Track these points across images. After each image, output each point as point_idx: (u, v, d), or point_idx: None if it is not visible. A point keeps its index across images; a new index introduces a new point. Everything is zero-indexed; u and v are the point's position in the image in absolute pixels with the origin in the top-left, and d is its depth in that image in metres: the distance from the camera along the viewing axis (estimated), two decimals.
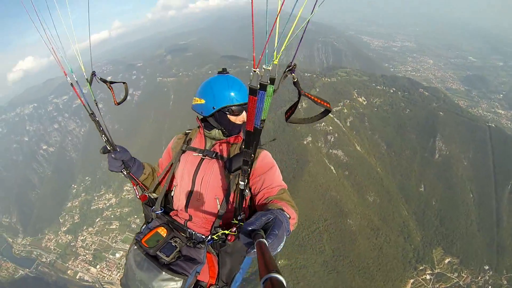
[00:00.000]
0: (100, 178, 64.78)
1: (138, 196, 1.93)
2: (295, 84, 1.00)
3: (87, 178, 67.25)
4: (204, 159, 1.84)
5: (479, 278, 37.33)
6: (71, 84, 1.62)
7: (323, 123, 45.05)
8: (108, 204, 58.42)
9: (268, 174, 1.74)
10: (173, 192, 1.93)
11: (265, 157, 1.81)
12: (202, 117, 1.96)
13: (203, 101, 1.88)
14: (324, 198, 39.01)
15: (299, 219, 1.57)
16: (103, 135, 1.74)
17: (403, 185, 43.89)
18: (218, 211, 1.71)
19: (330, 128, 46.03)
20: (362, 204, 40.33)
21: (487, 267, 37.98)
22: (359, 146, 46.58)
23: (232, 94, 1.84)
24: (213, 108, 1.84)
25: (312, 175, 40.31)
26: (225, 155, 1.85)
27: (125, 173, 1.88)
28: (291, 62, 0.96)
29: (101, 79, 1.75)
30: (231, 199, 1.73)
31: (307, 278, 34.46)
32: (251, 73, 0.86)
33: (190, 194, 1.80)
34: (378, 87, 55.64)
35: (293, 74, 0.97)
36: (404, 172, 44.52)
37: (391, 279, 34.95)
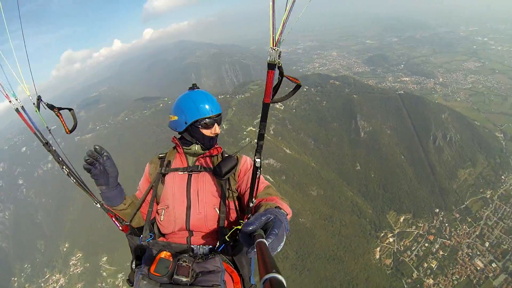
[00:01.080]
0: (40, 262, 58.18)
1: (120, 228, 1.78)
2: (279, 68, 1.15)
3: (26, 266, 59.49)
4: (191, 174, 1.91)
5: (435, 221, 42.60)
6: (17, 109, 1.46)
7: (248, 138, 50.18)
8: (57, 287, 52.30)
9: (251, 173, 1.79)
10: (162, 216, 1.85)
11: (246, 160, 2.01)
12: (178, 136, 2.07)
13: (176, 118, 1.98)
14: None
15: None
16: (64, 167, 1.55)
17: (340, 170, 49.50)
18: (219, 218, 1.79)
19: (255, 141, 52.17)
20: (307, 200, 44.08)
21: (437, 210, 43.67)
22: (288, 149, 51.44)
23: (203, 107, 1.92)
24: (185, 123, 1.94)
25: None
26: (210, 166, 1.97)
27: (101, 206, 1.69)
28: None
29: (47, 104, 1.53)
30: (230, 203, 1.86)
31: None
32: (270, 50, 1.06)
33: (188, 210, 1.80)
34: (291, 89, 64.34)
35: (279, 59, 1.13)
36: (337, 158, 50.80)
37: (360, 255, 38.63)
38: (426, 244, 40.29)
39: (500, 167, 50.14)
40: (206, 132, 1.97)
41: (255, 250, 0.85)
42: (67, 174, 1.60)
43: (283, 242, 1.04)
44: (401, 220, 42.71)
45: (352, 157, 49.74)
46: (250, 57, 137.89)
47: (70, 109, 1.64)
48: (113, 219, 1.78)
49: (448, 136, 51.88)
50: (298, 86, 1.30)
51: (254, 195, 1.61)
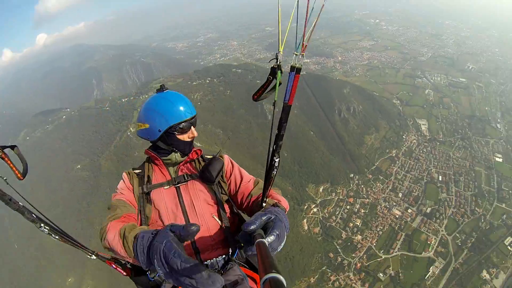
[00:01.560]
0: None
1: (124, 274, 1.84)
2: (275, 68, 1.46)
3: None
4: (179, 187, 2.01)
5: (352, 185, 52.85)
6: None
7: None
8: None
9: (236, 172, 2.16)
10: None
11: (228, 159, 2.22)
12: (151, 145, 2.18)
13: (147, 126, 2.04)
14: None
15: None
16: (43, 225, 1.46)
17: (254, 155, 56.68)
18: (222, 225, 1.95)
19: None
20: None
21: (352, 175, 54.28)
22: (199, 142, 57.12)
23: (176, 111, 2.01)
24: (159, 131, 2.01)
25: None
26: (195, 172, 2.11)
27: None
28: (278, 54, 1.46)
29: None
30: (227, 208, 2.04)
31: None
32: (294, 56, 1.33)
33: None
34: (194, 82, 71.07)
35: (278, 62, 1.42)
36: (249, 144, 58.90)
37: (289, 229, 45.58)
38: (348, 207, 50.52)
39: (400, 128, 66.18)
40: (183, 137, 2.08)
41: (255, 250, 0.99)
42: (48, 233, 1.48)
43: (284, 242, 1.21)
44: (321, 190, 52.10)
45: (262, 140, 57.51)
46: (151, 55, 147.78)
47: (13, 147, 1.49)
48: (113, 266, 1.78)
49: (351, 108, 65.63)
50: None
51: (267, 194, 1.76)
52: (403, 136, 64.27)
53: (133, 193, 2.02)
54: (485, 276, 41.35)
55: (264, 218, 1.19)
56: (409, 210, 50.28)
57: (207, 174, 2.01)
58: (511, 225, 47.62)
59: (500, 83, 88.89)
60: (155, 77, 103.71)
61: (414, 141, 63.54)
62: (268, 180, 1.67)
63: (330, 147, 58.09)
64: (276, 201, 1.81)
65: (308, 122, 61.70)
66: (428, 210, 50.16)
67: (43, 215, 1.48)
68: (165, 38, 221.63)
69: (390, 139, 63.20)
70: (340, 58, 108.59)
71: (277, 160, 1.58)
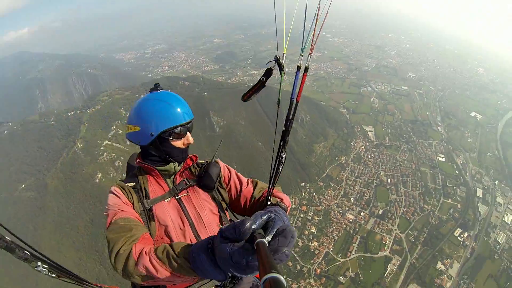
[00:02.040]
0: None
1: None
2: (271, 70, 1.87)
3: None
4: (180, 198, 2.20)
5: (304, 194, 60.45)
6: None
7: (106, 153, 58.92)
8: None
9: (235, 177, 2.44)
10: None
11: (224, 165, 2.48)
12: (140, 152, 2.32)
13: (138, 128, 2.12)
14: None
15: None
16: (49, 273, 1.51)
17: None
18: None
19: (113, 154, 60.15)
20: None
21: (303, 184, 62.13)
22: None
23: (173, 113, 2.10)
24: (152, 135, 2.10)
25: None
26: (193, 177, 2.33)
27: None
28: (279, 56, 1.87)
29: None
30: (226, 215, 2.30)
31: None
32: (301, 57, 1.77)
33: (197, 237, 2.13)
34: (142, 95, 76.78)
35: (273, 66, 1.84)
36: (202, 156, 65.03)
37: None
38: (302, 215, 57.74)
39: (348, 136, 77.79)
40: (178, 143, 2.18)
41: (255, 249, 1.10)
42: (47, 273, 1.50)
43: (294, 242, 1.27)
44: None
45: (211, 153, 62.51)
46: (98, 66, 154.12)
47: None
48: None
49: (299, 118, 75.33)
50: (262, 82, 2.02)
51: (271, 192, 2.08)
52: (351, 143, 75.75)
53: (134, 210, 2.08)
54: (440, 267, 50.70)
55: (264, 217, 1.28)
56: (362, 213, 59.07)
57: (207, 180, 2.28)
58: (458, 218, 59.25)
59: (438, 90, 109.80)
60: (102, 89, 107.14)
61: (362, 147, 75.13)
62: (275, 176, 2.04)
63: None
64: (278, 199, 2.12)
65: (256, 133, 69.27)
66: (380, 211, 59.60)
67: (37, 252, 1.48)
68: (113, 49, 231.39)
69: (338, 147, 73.91)
70: (287, 69, 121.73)
71: (284, 155, 2.02)
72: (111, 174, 57.08)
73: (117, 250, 1.76)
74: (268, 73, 1.94)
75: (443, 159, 74.14)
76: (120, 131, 65.88)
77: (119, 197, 2.08)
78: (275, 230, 1.20)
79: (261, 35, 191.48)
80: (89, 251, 46.67)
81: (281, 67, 1.86)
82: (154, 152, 2.21)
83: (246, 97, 2.08)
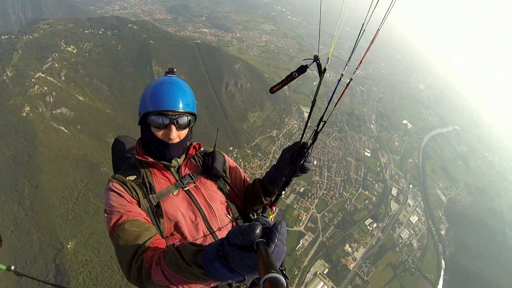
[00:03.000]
0: None
1: None
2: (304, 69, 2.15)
3: None
4: (189, 189, 2.32)
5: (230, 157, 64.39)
6: None
7: (36, 86, 56.67)
8: None
9: (238, 167, 2.82)
10: None
11: (228, 158, 2.78)
12: (139, 140, 2.45)
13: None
14: (69, 161, 50.24)
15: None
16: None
17: (135, 115, 64.42)
18: (233, 224, 2.40)
19: (45, 88, 57.81)
20: (107, 149, 54.58)
21: (231, 148, 66.07)
22: (82, 96, 61.76)
23: (156, 96, 2.15)
24: (139, 114, 2.25)
25: (46, 144, 50.28)
26: (198, 169, 2.49)
27: None
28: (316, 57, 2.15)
29: None
30: (235, 202, 2.54)
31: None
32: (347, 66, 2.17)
33: (213, 233, 2.24)
34: (86, 31, 74.45)
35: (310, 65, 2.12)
36: (132, 103, 64.95)
37: None
38: None
39: (284, 112, 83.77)
40: (158, 133, 2.19)
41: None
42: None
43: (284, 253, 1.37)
44: None
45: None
46: None
47: None
48: None
49: (239, 84, 78.91)
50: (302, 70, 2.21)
51: (288, 182, 2.39)
52: (286, 119, 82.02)
53: (140, 207, 2.12)
54: (347, 249, 59.64)
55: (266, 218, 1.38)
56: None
57: (215, 169, 2.44)
58: (371, 209, 69.25)
59: (379, 92, 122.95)
60: (44, 17, 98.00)
61: (295, 125, 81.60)
62: (298, 163, 2.24)
63: (213, 118, 68.84)
64: None
65: (194, 90, 70.24)
66: (302, 189, 66.33)
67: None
68: None
69: (272, 120, 79.53)
70: (238, 34, 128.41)
71: (310, 152, 2.25)
72: (40, 109, 54.85)
73: (128, 262, 1.86)
74: (302, 69, 2.11)
75: (369, 155, 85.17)
76: (56, 64, 63.30)
77: (121, 196, 2.11)
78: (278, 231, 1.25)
79: None
80: (8, 189, 44.85)
81: (321, 69, 2.06)
82: (145, 139, 2.36)
83: (275, 89, 2.23)
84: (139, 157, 2.31)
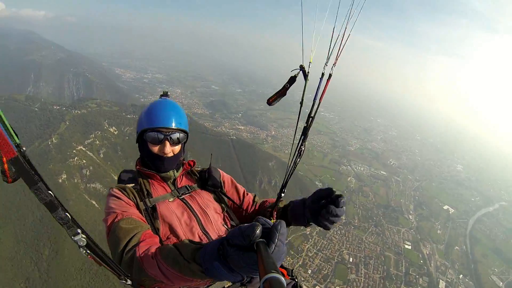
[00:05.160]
0: None
1: None
2: (293, 79, 2.32)
3: None
4: (183, 198, 2.37)
5: None
6: None
7: (76, 158, 59.60)
8: None
9: (236, 183, 2.83)
10: None
11: (223, 172, 2.80)
12: (139, 158, 2.55)
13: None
14: (94, 235, 51.21)
15: None
16: (70, 224, 1.40)
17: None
18: (231, 228, 2.34)
19: (84, 161, 61.11)
20: None
21: None
22: (116, 176, 65.23)
23: (152, 115, 2.32)
24: (137, 133, 2.37)
25: (75, 213, 50.55)
26: (194, 183, 2.56)
27: None
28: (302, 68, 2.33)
29: None
30: (227, 220, 2.47)
31: None
32: (325, 67, 2.27)
33: (205, 233, 2.22)
34: (129, 116, 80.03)
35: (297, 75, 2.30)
36: None
37: None
38: None
39: None
40: (154, 148, 2.33)
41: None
42: (84, 249, 1.54)
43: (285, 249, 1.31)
44: None
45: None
46: (97, 73, 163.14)
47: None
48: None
49: (273, 181, 79.76)
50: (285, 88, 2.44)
51: (284, 183, 2.42)
52: None
53: (137, 209, 2.18)
54: None
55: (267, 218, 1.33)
56: (317, 287, 60.66)
57: (212, 180, 2.52)
58: None
59: (416, 180, 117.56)
60: (94, 96, 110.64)
61: None
62: (291, 170, 2.35)
63: None
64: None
65: None
66: None
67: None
68: (115, 62, 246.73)
69: None
70: (273, 132, 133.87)
71: (303, 148, 2.33)
72: (75, 180, 57.18)
73: (120, 253, 1.85)
74: (292, 80, 2.31)
75: (410, 247, 78.20)
76: (97, 142, 67.90)
77: (120, 198, 2.18)
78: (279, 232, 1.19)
79: (257, 93, 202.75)
80: (29, 247, 45.02)
81: (305, 74, 2.25)
82: (143, 155, 2.47)
83: (271, 100, 2.43)
84: (138, 168, 2.49)
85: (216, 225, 2.32)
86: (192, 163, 2.65)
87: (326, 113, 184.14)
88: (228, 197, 2.70)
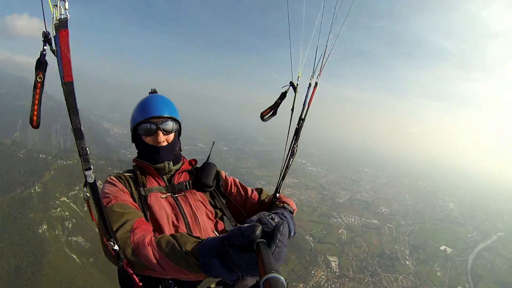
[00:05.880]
0: None
1: (139, 284, 1.83)
2: (284, 95, 2.52)
3: None
4: (177, 197, 2.32)
5: None
6: None
7: (59, 209, 57.32)
8: None
9: (237, 183, 2.78)
10: None
11: (224, 173, 2.76)
12: (137, 154, 2.49)
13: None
14: None
15: None
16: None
17: None
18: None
19: (67, 213, 58.92)
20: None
21: None
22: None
23: (143, 109, 2.35)
24: (131, 130, 2.36)
25: (54, 267, 48.70)
26: (190, 181, 2.48)
27: None
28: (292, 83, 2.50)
29: None
30: (220, 224, 2.44)
31: None
32: (312, 79, 2.46)
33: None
34: (115, 170, 78.78)
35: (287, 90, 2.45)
36: None
37: None
38: None
39: (309, 263, 78.91)
40: (148, 140, 2.34)
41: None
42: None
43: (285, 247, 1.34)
44: None
45: None
46: (84, 126, 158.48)
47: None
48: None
49: None
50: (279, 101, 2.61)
51: (279, 184, 2.52)
52: (312, 271, 76.30)
53: (131, 198, 2.14)
54: None
55: (267, 218, 1.40)
56: None
57: (203, 177, 2.43)
58: None
59: (409, 224, 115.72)
60: None
61: (323, 276, 75.56)
62: (286, 168, 2.44)
63: None
64: (285, 203, 2.41)
65: None
66: None
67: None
68: (104, 116, 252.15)
69: (298, 273, 74.24)
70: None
71: (296, 147, 2.49)
72: (56, 231, 55.28)
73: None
74: (282, 95, 2.47)
75: None
76: (81, 194, 66.90)
77: (115, 185, 2.18)
78: (279, 233, 1.24)
79: (244, 152, 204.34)
80: None
81: (294, 87, 2.44)
82: (140, 151, 2.45)
83: (264, 114, 2.52)
84: (135, 161, 2.48)
85: (205, 231, 2.25)
86: (194, 162, 2.64)
87: (313, 168, 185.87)
88: (228, 197, 2.63)
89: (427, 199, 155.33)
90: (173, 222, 2.16)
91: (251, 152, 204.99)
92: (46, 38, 1.20)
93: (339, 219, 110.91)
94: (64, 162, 75.76)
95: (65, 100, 1.29)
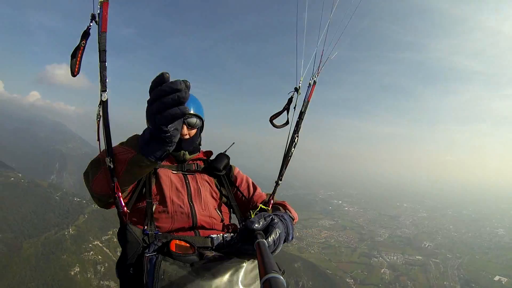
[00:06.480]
0: None
1: (124, 209, 1.90)
2: (290, 100, 2.45)
3: None
4: (187, 175, 2.42)
5: None
6: None
7: (92, 252, 57.43)
8: None
9: (249, 180, 2.76)
10: (154, 207, 2.12)
11: (238, 169, 2.77)
12: None
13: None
14: None
15: None
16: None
17: None
18: (223, 219, 2.37)
19: (100, 257, 59.17)
20: None
21: None
22: None
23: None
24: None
25: None
26: (203, 166, 2.57)
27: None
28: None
29: None
30: (225, 208, 2.47)
31: None
32: (312, 79, 2.45)
33: (192, 207, 2.21)
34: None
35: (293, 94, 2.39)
36: None
37: None
38: None
39: None
40: None
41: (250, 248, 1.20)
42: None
43: (280, 247, 1.49)
44: None
45: None
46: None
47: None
48: (120, 193, 1.77)
49: (300, 283, 77.11)
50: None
51: (282, 173, 2.56)
52: None
53: None
54: None
55: (268, 219, 1.43)
56: None
57: (214, 162, 2.54)
58: None
59: (456, 257, 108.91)
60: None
61: None
62: (286, 158, 2.46)
63: None
64: (287, 209, 2.47)
65: None
66: None
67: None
68: None
69: None
70: (297, 233, 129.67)
71: (297, 138, 2.46)
72: (89, 275, 55.19)
73: (86, 172, 1.93)
74: (289, 101, 2.51)
75: None
76: (115, 239, 66.57)
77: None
78: (275, 233, 1.36)
79: (278, 197, 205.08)
80: None
81: (297, 90, 2.49)
82: None
83: (273, 118, 2.56)
84: None
85: (205, 204, 2.30)
86: (209, 154, 2.71)
87: (349, 208, 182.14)
88: (234, 185, 2.65)
89: (473, 228, 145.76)
90: (176, 187, 2.27)
91: (285, 197, 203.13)
92: (92, 17, 1.38)
93: (380, 258, 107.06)
94: (97, 207, 80.00)
95: (98, 43, 1.39)
